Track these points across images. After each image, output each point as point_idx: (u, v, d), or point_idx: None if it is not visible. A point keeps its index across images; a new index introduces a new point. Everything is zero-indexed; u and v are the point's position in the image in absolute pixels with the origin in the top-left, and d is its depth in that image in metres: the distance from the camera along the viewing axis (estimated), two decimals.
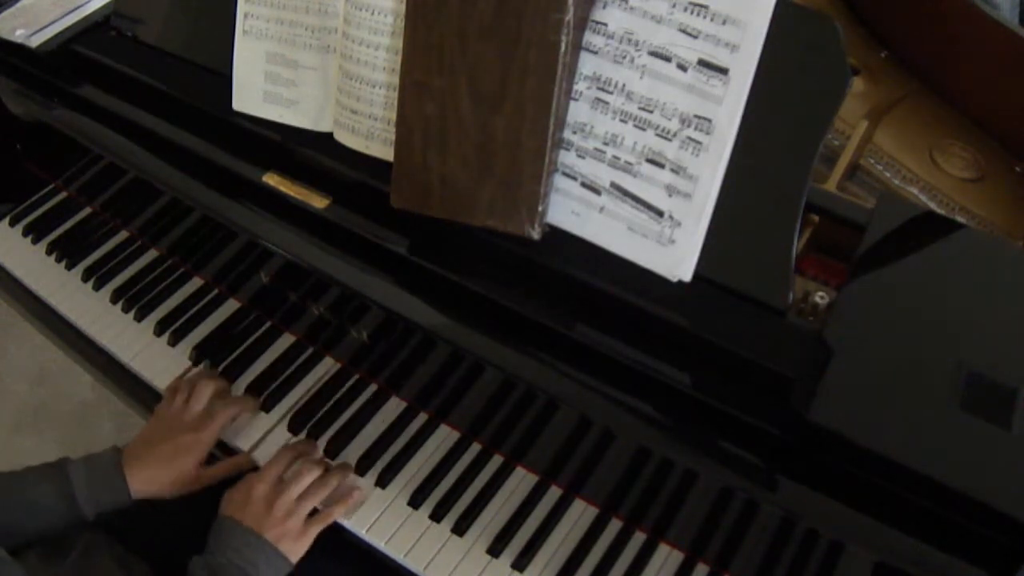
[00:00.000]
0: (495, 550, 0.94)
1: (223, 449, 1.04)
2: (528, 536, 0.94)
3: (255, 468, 0.99)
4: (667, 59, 0.75)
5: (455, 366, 0.95)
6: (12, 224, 1.31)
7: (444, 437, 1.03)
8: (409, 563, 0.93)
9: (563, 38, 0.75)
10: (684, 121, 0.75)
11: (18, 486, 0.91)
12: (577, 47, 0.78)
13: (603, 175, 0.79)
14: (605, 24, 0.78)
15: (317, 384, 1.09)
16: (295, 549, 0.90)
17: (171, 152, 1.01)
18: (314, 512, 0.94)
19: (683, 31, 0.74)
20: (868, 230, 0.81)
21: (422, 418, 1.05)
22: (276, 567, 0.88)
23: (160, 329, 1.15)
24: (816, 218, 0.87)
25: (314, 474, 0.95)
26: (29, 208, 1.33)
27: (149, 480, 0.95)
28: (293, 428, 1.04)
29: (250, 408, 1.05)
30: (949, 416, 0.68)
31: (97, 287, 1.22)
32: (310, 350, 1.12)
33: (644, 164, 0.77)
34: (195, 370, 1.10)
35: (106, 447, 0.99)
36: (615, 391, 0.77)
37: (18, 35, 1.12)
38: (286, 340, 1.13)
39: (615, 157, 0.78)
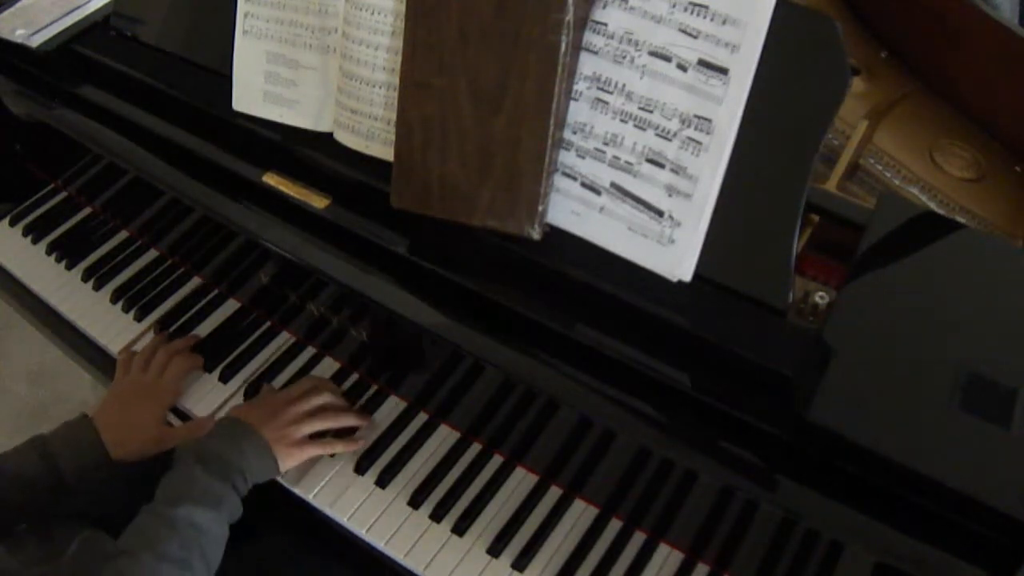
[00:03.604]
0: (495, 550, 0.94)
1: None
2: (528, 536, 0.94)
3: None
4: (667, 59, 0.75)
5: (455, 366, 0.95)
6: (12, 224, 1.31)
7: (444, 437, 1.03)
8: (409, 563, 0.93)
9: (563, 38, 0.75)
10: (684, 121, 0.75)
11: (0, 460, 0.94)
12: (577, 47, 0.78)
13: (603, 175, 0.79)
14: (605, 24, 0.78)
15: None
16: (286, 457, 0.92)
17: (171, 152, 1.01)
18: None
19: (683, 31, 0.74)
20: (868, 230, 0.81)
21: (422, 418, 1.05)
22: (263, 463, 0.90)
23: (160, 329, 1.15)
24: (816, 218, 0.87)
25: (327, 398, 0.98)
26: (29, 208, 1.33)
27: (117, 442, 0.98)
28: None
29: (197, 364, 1.10)
30: (949, 416, 0.68)
31: (97, 287, 1.22)
32: (310, 350, 1.12)
33: (644, 164, 0.77)
34: (150, 339, 1.14)
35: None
36: (615, 391, 0.77)
37: (18, 35, 1.12)
38: (286, 340, 1.13)
39: (615, 157, 0.78)
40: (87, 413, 1.01)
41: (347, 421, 0.99)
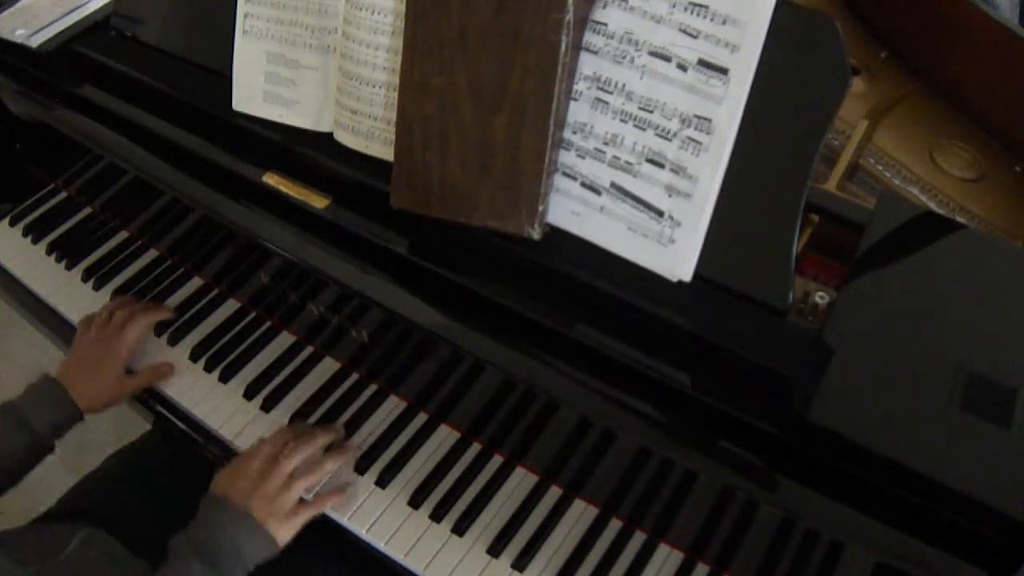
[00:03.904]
0: (495, 550, 0.94)
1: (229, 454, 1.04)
2: (528, 536, 0.94)
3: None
4: (667, 59, 0.75)
5: (455, 366, 0.95)
6: (12, 224, 1.31)
7: (444, 437, 1.03)
8: (409, 563, 0.93)
9: (563, 38, 0.74)
10: (684, 121, 0.75)
11: None
12: (577, 47, 0.78)
13: (603, 175, 0.79)
14: (605, 24, 0.78)
15: (317, 384, 1.09)
16: (282, 532, 0.89)
17: (171, 152, 1.01)
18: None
19: (683, 31, 0.74)
20: (868, 230, 0.81)
21: (422, 418, 1.05)
22: (260, 545, 0.86)
23: (160, 329, 1.15)
24: (816, 218, 0.87)
25: (308, 451, 0.95)
26: (29, 208, 1.33)
27: (83, 396, 1.02)
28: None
29: (162, 315, 1.13)
30: (949, 416, 0.68)
31: (97, 287, 1.22)
32: (310, 350, 1.12)
33: (644, 164, 0.77)
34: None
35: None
36: (615, 391, 0.77)
37: (18, 35, 1.12)
38: (286, 340, 1.13)
39: (615, 157, 0.78)
40: (48, 373, 1.04)
41: (330, 467, 0.96)
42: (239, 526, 0.86)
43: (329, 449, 1.00)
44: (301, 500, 0.92)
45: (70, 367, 1.06)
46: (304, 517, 0.91)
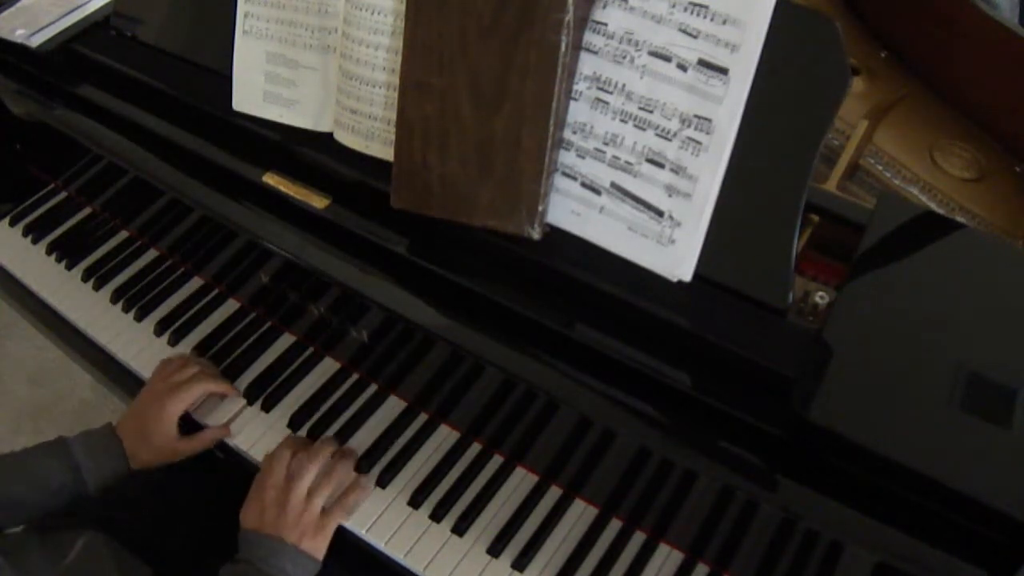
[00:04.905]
0: (495, 550, 0.94)
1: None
2: (528, 536, 0.94)
3: (254, 465, 1.00)
4: (667, 59, 0.75)
5: (455, 366, 0.95)
6: (12, 224, 1.31)
7: (444, 437, 1.03)
8: (409, 563, 0.93)
9: (563, 38, 0.75)
10: (684, 121, 0.75)
11: (22, 461, 0.95)
12: (577, 47, 0.78)
13: (603, 175, 0.79)
14: (605, 24, 0.78)
15: (317, 384, 1.09)
16: (317, 545, 0.90)
17: (171, 152, 1.01)
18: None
19: (683, 31, 0.74)
20: (868, 230, 0.81)
21: (422, 418, 1.05)
22: (304, 568, 0.89)
23: (160, 329, 1.16)
24: (816, 218, 0.87)
25: (318, 464, 0.95)
26: (29, 208, 1.33)
27: (135, 453, 0.99)
28: (293, 428, 1.05)
29: (226, 390, 1.07)
30: (949, 416, 0.68)
31: (97, 287, 1.22)
32: (310, 350, 1.12)
33: (644, 164, 0.77)
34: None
35: None
36: (615, 391, 0.77)
37: (18, 35, 1.12)
38: (286, 340, 1.13)
39: (615, 157, 0.78)
40: (112, 422, 1.01)
41: (341, 473, 0.96)
42: (281, 556, 0.87)
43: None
44: (323, 509, 0.93)
45: (129, 421, 1.02)
46: (332, 525, 0.92)
